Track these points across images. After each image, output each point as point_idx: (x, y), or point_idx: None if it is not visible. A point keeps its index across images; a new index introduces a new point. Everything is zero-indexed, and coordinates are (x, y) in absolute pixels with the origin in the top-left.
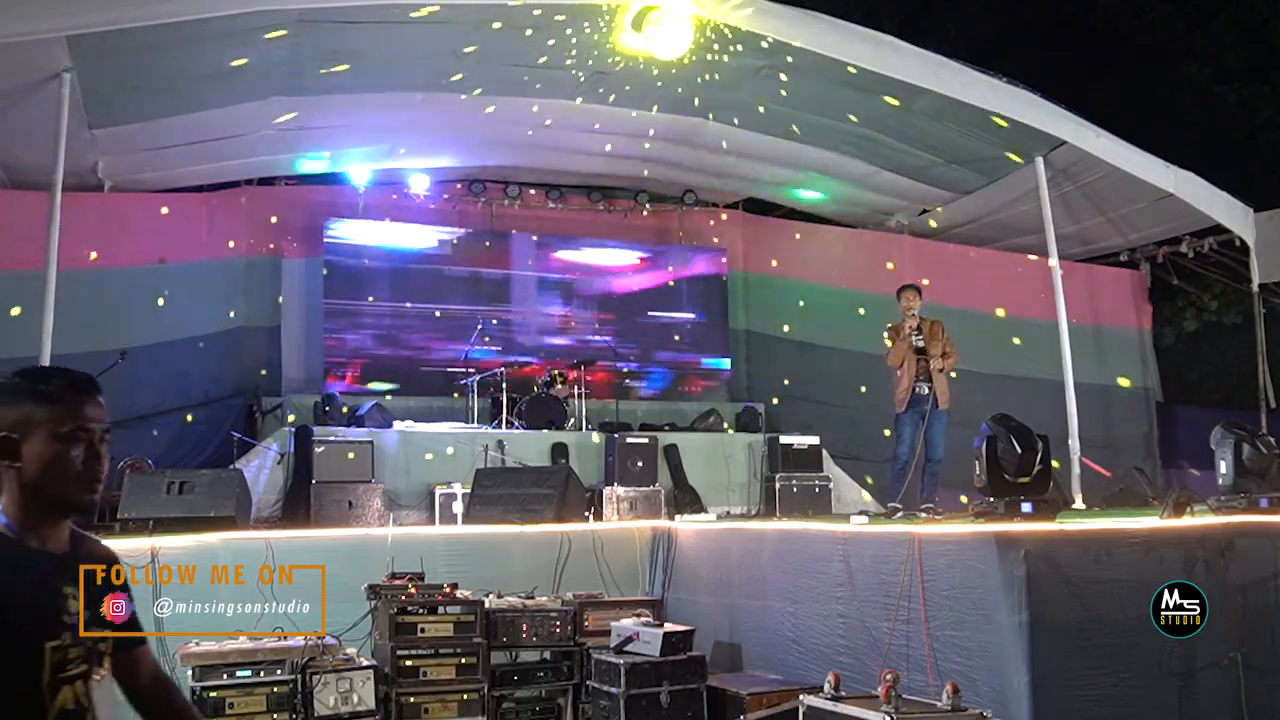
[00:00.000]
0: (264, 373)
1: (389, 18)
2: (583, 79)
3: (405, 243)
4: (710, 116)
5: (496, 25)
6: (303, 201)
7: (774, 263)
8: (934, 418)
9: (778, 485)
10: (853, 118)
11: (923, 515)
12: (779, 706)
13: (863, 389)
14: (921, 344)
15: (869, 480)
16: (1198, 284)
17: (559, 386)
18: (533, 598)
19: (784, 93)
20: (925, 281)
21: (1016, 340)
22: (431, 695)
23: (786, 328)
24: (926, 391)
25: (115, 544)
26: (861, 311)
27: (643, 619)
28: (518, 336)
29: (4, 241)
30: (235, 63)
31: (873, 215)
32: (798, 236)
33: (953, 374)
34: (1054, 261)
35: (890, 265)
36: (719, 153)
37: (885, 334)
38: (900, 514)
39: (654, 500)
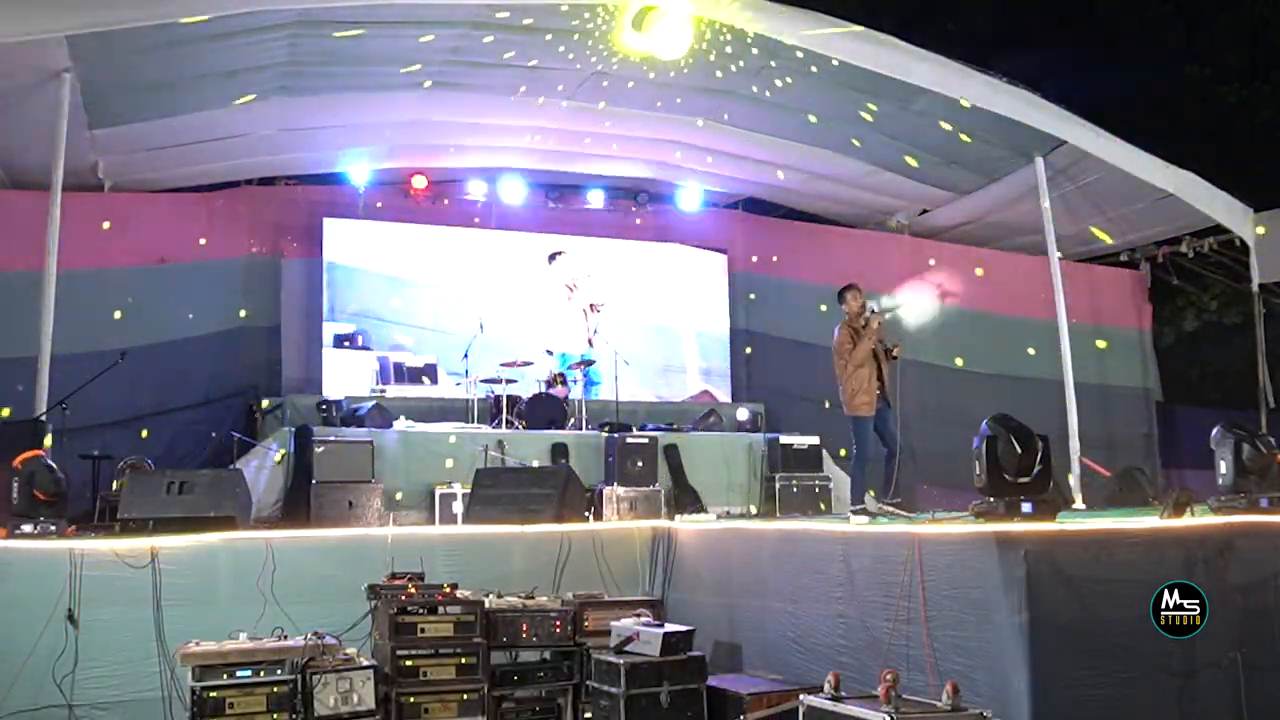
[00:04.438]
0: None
1: (389, 17)
2: (583, 78)
3: (405, 242)
4: (710, 116)
5: (498, 24)
6: (303, 201)
7: (774, 262)
8: (889, 414)
9: (778, 485)
10: (854, 117)
11: (891, 509)
12: (779, 706)
13: None
14: (885, 345)
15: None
16: (1198, 284)
17: (559, 386)
18: (533, 598)
19: (784, 92)
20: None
21: (1016, 340)
22: (431, 695)
23: (786, 328)
24: (880, 390)
25: (115, 544)
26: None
27: (643, 619)
28: (517, 336)
29: (4, 241)
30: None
31: (873, 215)
32: (798, 236)
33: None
34: (1054, 262)
35: (890, 264)
36: (719, 153)
37: (841, 331)
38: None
39: (654, 500)
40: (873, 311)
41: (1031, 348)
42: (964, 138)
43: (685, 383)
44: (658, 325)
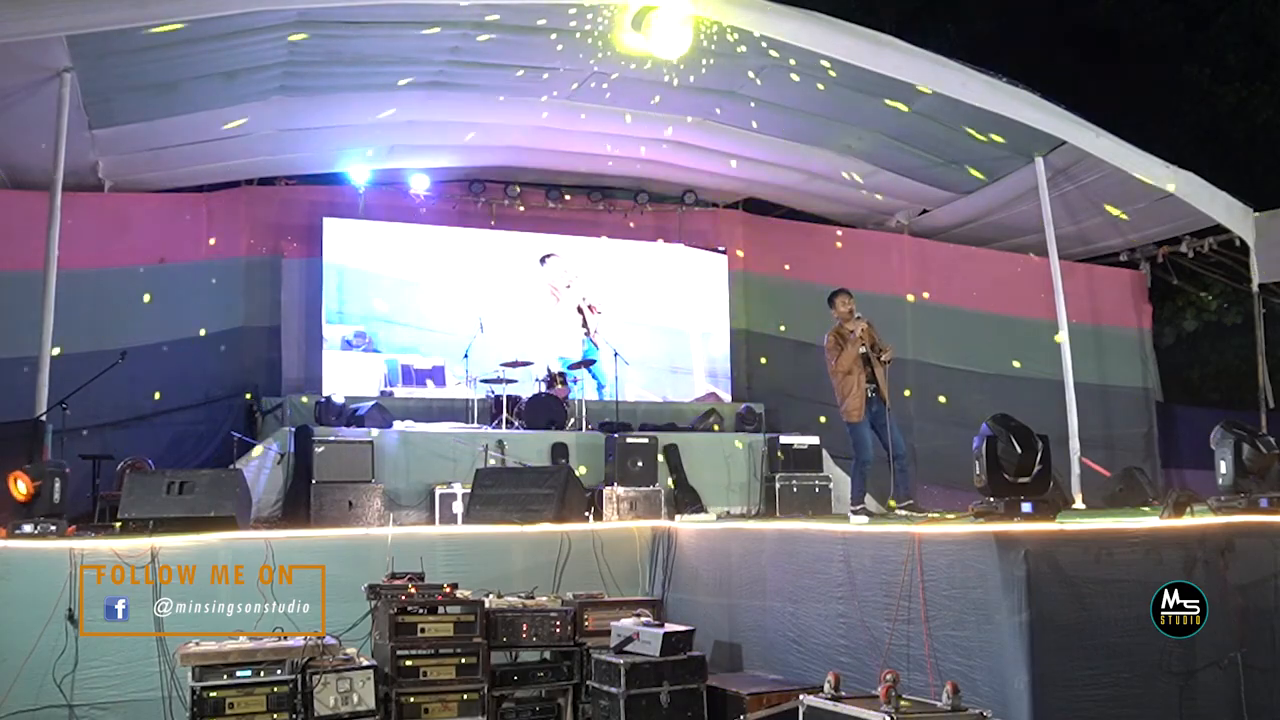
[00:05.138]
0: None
1: (389, 18)
2: (583, 78)
3: (405, 242)
4: (710, 116)
5: (497, 25)
6: (303, 201)
7: (774, 262)
8: (886, 417)
9: (778, 485)
10: (854, 117)
11: (905, 513)
12: (779, 706)
13: None
14: (870, 350)
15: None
16: (1198, 284)
17: (559, 386)
18: (533, 598)
19: (784, 92)
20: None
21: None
22: (431, 695)
23: (786, 328)
24: (873, 394)
25: (115, 544)
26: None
27: (643, 619)
28: (517, 336)
29: (4, 241)
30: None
31: (873, 215)
32: (798, 236)
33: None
34: (1054, 261)
35: (889, 265)
36: (719, 153)
37: (828, 337)
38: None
39: (654, 500)
40: (858, 317)
41: (1031, 348)
42: (964, 138)
43: (692, 384)
44: (661, 326)
